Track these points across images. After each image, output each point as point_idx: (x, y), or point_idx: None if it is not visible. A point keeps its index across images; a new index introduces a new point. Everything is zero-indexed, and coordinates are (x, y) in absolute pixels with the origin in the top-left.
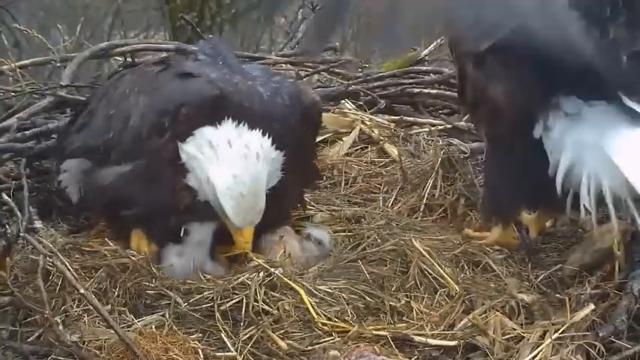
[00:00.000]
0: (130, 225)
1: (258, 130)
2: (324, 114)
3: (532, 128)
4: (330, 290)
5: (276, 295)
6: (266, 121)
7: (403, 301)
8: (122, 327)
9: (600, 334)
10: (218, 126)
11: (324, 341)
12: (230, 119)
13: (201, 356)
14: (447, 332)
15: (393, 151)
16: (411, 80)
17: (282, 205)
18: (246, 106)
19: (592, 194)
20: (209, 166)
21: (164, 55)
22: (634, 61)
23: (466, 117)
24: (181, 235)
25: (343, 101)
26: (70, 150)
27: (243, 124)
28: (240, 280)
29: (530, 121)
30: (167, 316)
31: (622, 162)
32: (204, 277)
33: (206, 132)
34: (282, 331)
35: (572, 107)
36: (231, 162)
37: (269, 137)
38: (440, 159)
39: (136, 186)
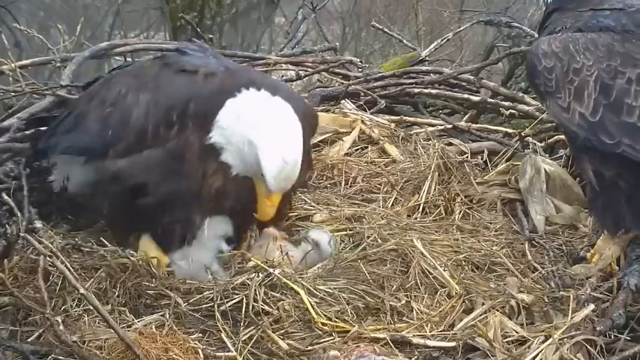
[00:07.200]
0: (138, 227)
1: (278, 97)
2: (324, 114)
3: None
4: (330, 290)
5: (276, 295)
6: (279, 92)
7: (403, 301)
8: (122, 327)
9: (598, 329)
10: (245, 95)
11: (324, 341)
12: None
13: (201, 356)
14: (447, 332)
15: (393, 151)
16: (411, 80)
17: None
18: (254, 79)
19: None
20: (251, 132)
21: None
22: None
23: (466, 117)
24: (200, 231)
25: (343, 101)
26: (61, 149)
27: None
28: (240, 280)
29: None
30: (167, 316)
31: None
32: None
33: (239, 100)
34: (282, 331)
35: None
36: (272, 127)
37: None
38: (438, 160)
39: (156, 172)
